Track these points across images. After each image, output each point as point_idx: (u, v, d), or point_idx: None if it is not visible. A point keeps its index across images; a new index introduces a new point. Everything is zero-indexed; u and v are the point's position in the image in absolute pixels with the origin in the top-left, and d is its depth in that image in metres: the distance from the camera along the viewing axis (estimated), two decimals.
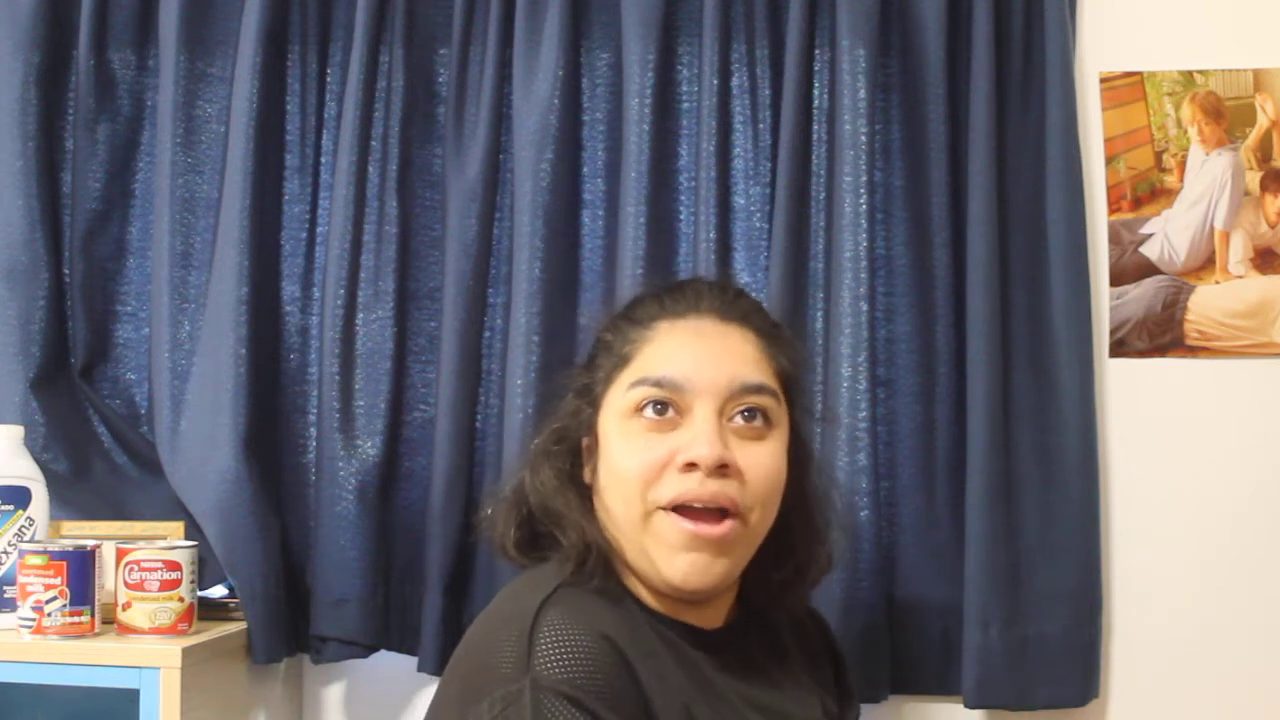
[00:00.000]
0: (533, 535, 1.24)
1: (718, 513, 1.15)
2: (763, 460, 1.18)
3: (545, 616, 1.11)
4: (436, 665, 1.71)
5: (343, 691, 1.88)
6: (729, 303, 1.24)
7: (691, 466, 1.14)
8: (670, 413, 1.17)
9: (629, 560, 1.20)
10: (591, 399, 1.22)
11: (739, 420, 1.18)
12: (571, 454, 1.23)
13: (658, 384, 1.17)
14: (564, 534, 1.20)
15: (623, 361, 1.20)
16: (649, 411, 1.17)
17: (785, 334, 1.27)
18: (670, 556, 1.15)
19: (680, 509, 1.15)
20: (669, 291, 1.25)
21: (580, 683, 1.06)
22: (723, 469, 1.15)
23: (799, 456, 1.25)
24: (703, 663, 1.20)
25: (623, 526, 1.18)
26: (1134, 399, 1.74)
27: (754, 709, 1.22)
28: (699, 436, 1.15)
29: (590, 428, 1.22)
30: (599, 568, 1.17)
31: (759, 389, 1.19)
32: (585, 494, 1.22)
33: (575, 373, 1.27)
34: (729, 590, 1.26)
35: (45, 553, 1.56)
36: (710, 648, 1.22)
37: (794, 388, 1.25)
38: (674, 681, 1.15)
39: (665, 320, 1.22)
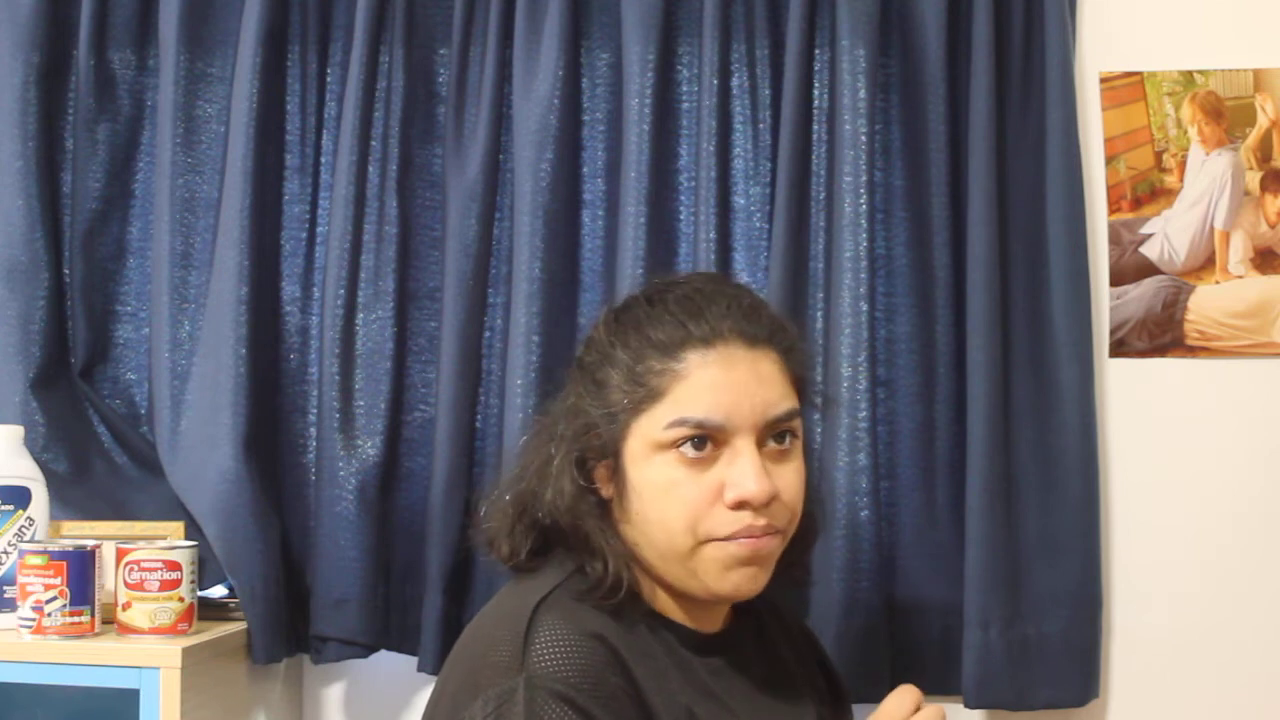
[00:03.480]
0: (543, 542, 1.23)
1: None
2: (794, 480, 1.20)
3: (541, 617, 1.11)
4: (436, 665, 1.71)
5: (343, 691, 1.88)
6: (751, 322, 1.20)
7: (743, 504, 1.15)
8: (708, 448, 1.16)
9: (658, 571, 1.20)
10: (615, 423, 1.19)
11: (771, 444, 1.19)
12: (588, 470, 1.21)
13: (699, 425, 1.15)
14: (590, 557, 1.19)
15: (653, 395, 1.17)
16: (688, 449, 1.16)
17: (796, 339, 1.26)
18: (722, 575, 1.17)
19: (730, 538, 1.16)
20: (687, 311, 1.19)
21: (574, 681, 1.07)
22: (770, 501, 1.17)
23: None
24: (699, 666, 1.20)
25: (662, 552, 1.18)
26: (1134, 399, 1.74)
27: (750, 713, 1.22)
28: (747, 474, 1.15)
29: (613, 451, 1.19)
30: (616, 596, 1.17)
31: (789, 414, 1.20)
32: (605, 510, 1.20)
33: (583, 389, 1.22)
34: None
35: (45, 553, 1.56)
36: (707, 651, 1.23)
37: (805, 391, 1.25)
38: (673, 683, 1.15)
39: (693, 351, 1.17)
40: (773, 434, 1.19)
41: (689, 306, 1.20)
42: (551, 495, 1.19)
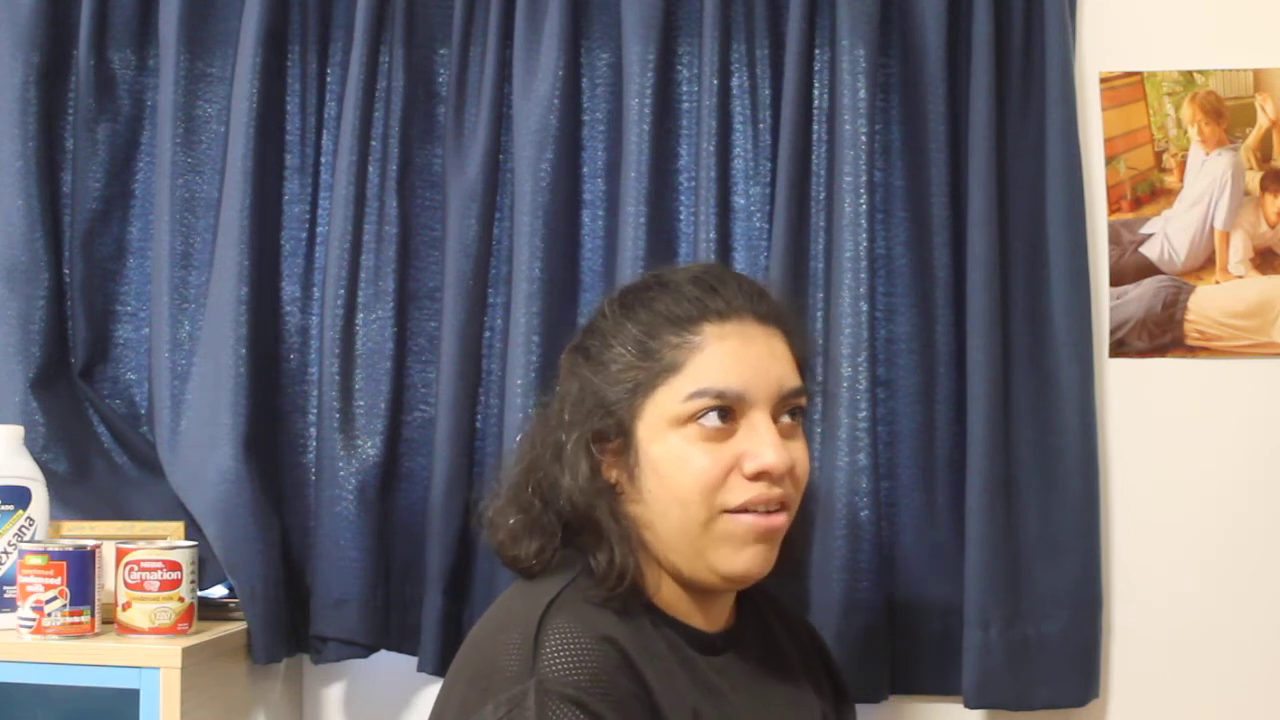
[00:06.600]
0: (558, 542, 1.21)
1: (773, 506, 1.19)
2: (802, 457, 1.22)
3: (551, 620, 1.11)
4: (436, 665, 1.71)
5: (343, 691, 1.88)
6: (760, 301, 1.23)
7: (761, 475, 1.17)
8: (728, 420, 1.18)
9: (667, 556, 1.20)
10: (628, 401, 1.19)
11: (783, 420, 1.20)
12: (596, 454, 1.21)
13: (720, 395, 1.17)
14: (597, 547, 1.18)
15: (670, 369, 1.18)
16: (710, 420, 1.17)
17: (799, 324, 1.29)
18: (735, 553, 1.18)
19: (744, 508, 1.17)
20: (701, 289, 1.22)
21: (585, 685, 1.06)
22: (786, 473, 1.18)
23: None
24: (703, 665, 1.20)
25: (675, 530, 1.18)
26: (1134, 399, 1.74)
27: (755, 710, 1.22)
28: (766, 445, 1.17)
29: (625, 430, 1.19)
30: (619, 586, 1.17)
31: (799, 391, 1.22)
32: (613, 495, 1.20)
33: (589, 373, 1.22)
34: (730, 592, 1.26)
35: (45, 553, 1.56)
36: (712, 650, 1.23)
37: (806, 376, 1.26)
38: (680, 683, 1.15)
39: (709, 324, 1.19)
40: (784, 410, 1.21)
41: (702, 285, 1.22)
42: (569, 480, 1.19)
